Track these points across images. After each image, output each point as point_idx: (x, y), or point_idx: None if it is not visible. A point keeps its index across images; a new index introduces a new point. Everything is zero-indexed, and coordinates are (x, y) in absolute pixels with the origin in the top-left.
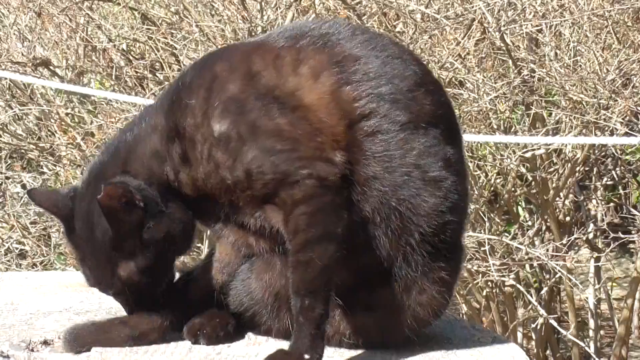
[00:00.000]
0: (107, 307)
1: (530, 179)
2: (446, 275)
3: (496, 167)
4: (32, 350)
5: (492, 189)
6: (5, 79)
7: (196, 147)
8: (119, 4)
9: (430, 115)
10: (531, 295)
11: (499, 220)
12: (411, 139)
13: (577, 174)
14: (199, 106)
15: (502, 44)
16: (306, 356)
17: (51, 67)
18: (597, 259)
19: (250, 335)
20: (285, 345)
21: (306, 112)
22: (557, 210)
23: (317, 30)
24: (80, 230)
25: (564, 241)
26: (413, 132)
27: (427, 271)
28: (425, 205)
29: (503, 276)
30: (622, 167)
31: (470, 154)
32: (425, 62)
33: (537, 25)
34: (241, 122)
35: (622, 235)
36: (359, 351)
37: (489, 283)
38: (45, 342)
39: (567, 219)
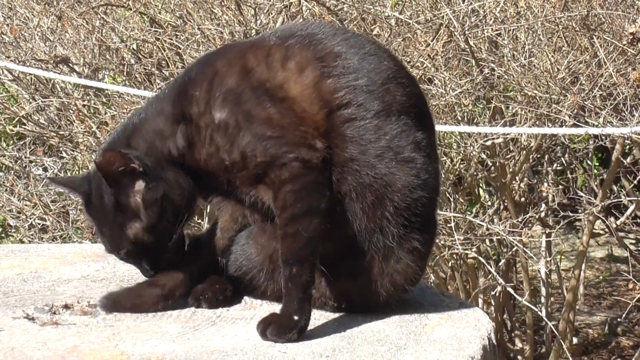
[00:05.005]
0: (120, 275)
1: (490, 164)
2: (420, 246)
3: (460, 154)
4: (54, 313)
5: (456, 173)
6: (30, 74)
7: (200, 132)
8: (130, 9)
9: (401, 105)
10: (491, 266)
11: (462, 200)
12: (384, 125)
13: (531, 160)
14: (202, 97)
15: (466, 46)
16: (295, 317)
17: (70, 64)
18: (548, 235)
19: (246, 299)
20: (277, 308)
21: (292, 103)
22: (514, 192)
23: (304, 31)
24: (95, 200)
25: (520, 219)
26: (386, 119)
27: (402, 242)
28: (399, 182)
29: (466, 249)
30: (570, 155)
31: (438, 142)
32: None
33: (496, 30)
34: (238, 111)
35: (570, 214)
36: (342, 314)
37: (454, 255)
38: (66, 306)
39: (522, 199)
